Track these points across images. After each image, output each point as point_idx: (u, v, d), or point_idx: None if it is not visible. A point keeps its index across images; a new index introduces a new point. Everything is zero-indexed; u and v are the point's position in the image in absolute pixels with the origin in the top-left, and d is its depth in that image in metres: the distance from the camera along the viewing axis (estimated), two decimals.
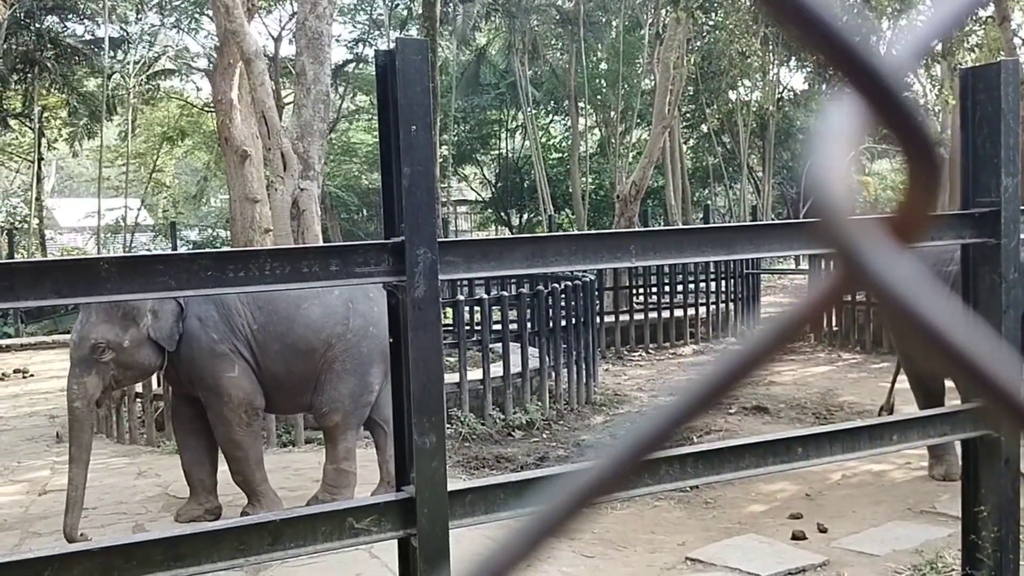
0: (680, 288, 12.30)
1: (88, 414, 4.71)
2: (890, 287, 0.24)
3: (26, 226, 20.38)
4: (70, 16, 19.95)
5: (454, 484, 2.16)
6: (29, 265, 1.92)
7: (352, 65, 25.31)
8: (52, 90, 20.07)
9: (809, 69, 24.64)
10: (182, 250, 19.82)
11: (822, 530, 4.76)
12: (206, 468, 5.03)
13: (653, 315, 11.81)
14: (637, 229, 12.38)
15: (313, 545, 1.94)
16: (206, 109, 22.36)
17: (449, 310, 8.25)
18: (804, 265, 14.90)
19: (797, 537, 4.67)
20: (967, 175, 2.99)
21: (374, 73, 2.43)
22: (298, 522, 1.97)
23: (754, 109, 24.76)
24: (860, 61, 0.26)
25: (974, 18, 16.64)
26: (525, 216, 28.19)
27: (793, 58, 24.72)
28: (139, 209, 24.19)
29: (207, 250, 5.13)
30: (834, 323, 11.40)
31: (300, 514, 2.06)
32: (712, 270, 12.64)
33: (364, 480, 5.28)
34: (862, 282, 0.25)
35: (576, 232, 7.12)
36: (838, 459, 2.70)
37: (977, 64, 10.80)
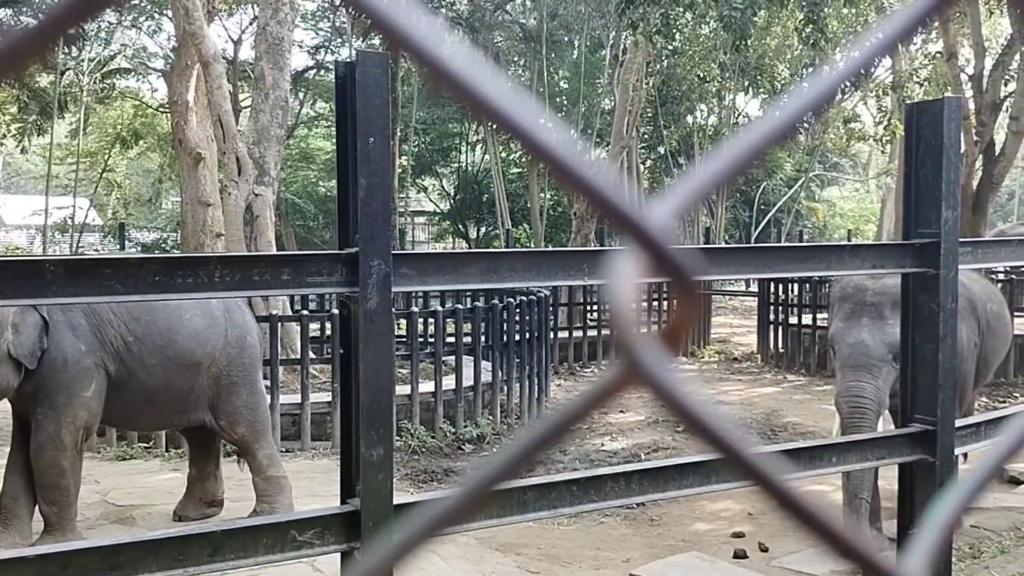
0: (633, 306, 12.45)
1: None
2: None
3: None
4: (24, 10, 19.55)
5: (401, 497, 2.16)
6: None
7: (313, 72, 25.16)
8: (2, 85, 19.63)
9: (764, 96, 25.14)
10: (131, 251, 19.49)
11: (763, 549, 4.84)
12: (32, 496, 4.55)
13: (606, 332, 11.90)
14: (590, 248, 12.48)
15: (254, 557, 1.92)
16: (161, 110, 22.02)
17: (403, 321, 8.22)
18: (754, 288, 15.15)
19: (739, 556, 4.74)
20: (909, 207, 3.09)
21: (334, 82, 2.43)
22: (239, 533, 1.95)
23: (710, 133, 25.17)
24: (634, 225, 0.33)
25: (924, 54, 17.15)
26: (483, 229, 28.21)
27: (750, 86, 25.21)
28: (88, 209, 23.70)
29: (156, 255, 5.03)
30: (780, 346, 11.60)
31: (242, 525, 2.03)
32: (664, 289, 12.78)
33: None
34: (640, 377, 0.33)
35: (531, 249, 7.17)
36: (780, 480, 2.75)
37: (923, 100, 11.12)
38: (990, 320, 4.99)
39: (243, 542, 1.92)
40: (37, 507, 4.53)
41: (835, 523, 0.40)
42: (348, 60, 2.22)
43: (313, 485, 5.74)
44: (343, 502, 2.10)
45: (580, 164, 0.33)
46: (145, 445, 6.81)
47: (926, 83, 15.32)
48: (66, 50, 19.45)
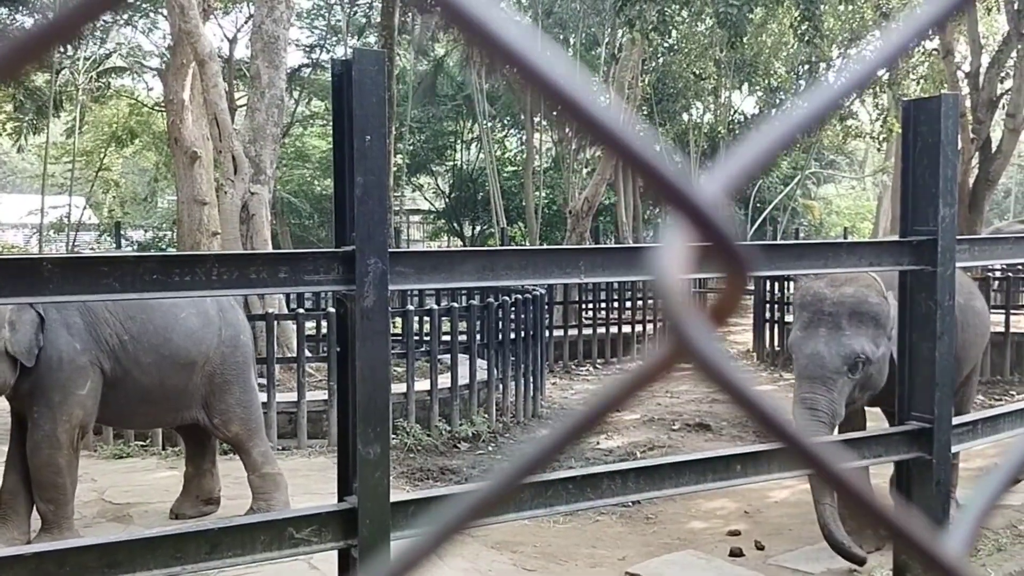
0: (628, 304, 12.45)
1: None
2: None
3: None
4: (20, 8, 19.49)
5: (397, 495, 2.16)
6: None
7: (308, 70, 25.12)
8: None
9: (760, 95, 25.16)
10: (127, 250, 19.45)
11: (759, 547, 4.84)
12: (30, 495, 4.57)
13: (601, 330, 11.91)
14: (586, 246, 12.48)
15: (252, 554, 1.92)
16: (157, 109, 21.98)
17: (399, 320, 8.22)
18: (750, 286, 15.18)
19: (735, 554, 4.74)
20: (906, 204, 3.09)
21: (330, 81, 2.43)
22: (237, 531, 1.95)
23: (706, 131, 25.19)
24: (684, 197, 0.32)
25: (921, 51, 17.17)
26: (478, 228, 28.21)
27: (745, 83, 25.23)
28: (84, 208, 23.65)
29: (153, 253, 5.03)
30: (776, 344, 11.62)
31: (240, 523, 2.03)
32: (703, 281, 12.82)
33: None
34: (688, 353, 0.33)
35: (526, 247, 7.16)
36: (775, 477, 2.76)
37: (920, 97, 11.12)
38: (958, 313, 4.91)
39: (240, 540, 1.92)
40: (35, 505, 4.53)
41: (883, 504, 0.40)
42: (344, 58, 2.22)
43: (309, 483, 5.74)
44: (340, 499, 2.11)
45: (633, 139, 0.33)
46: (142, 443, 6.81)
47: (922, 80, 15.35)
48: (61, 49, 19.38)
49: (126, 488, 5.73)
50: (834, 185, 34.45)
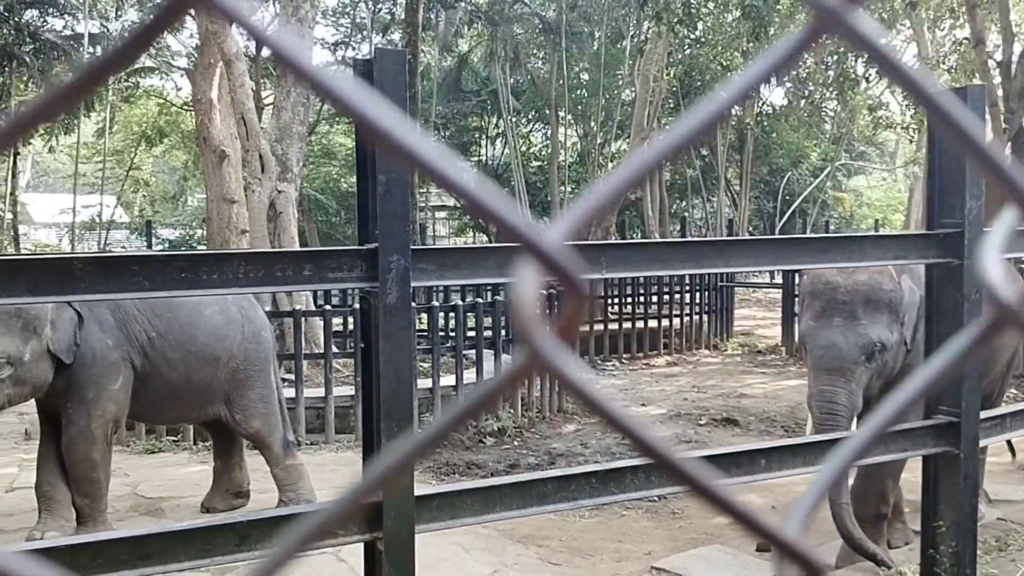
0: (655, 299, 12.39)
1: None
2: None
3: None
4: (50, 11, 19.78)
5: (422, 489, 2.19)
6: (5, 262, 1.93)
7: (333, 68, 25.24)
8: (30, 85, 19.89)
9: (789, 86, 24.92)
10: (157, 249, 19.70)
11: None
12: (68, 488, 4.64)
13: (627, 325, 11.88)
14: (608, 241, 12.46)
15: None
16: (185, 108, 22.23)
17: (424, 315, 8.26)
18: (779, 280, 15.05)
19: (762, 549, 4.72)
20: (933, 197, 3.07)
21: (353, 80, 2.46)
22: (264, 524, 1.98)
23: (733, 123, 25.00)
24: (530, 241, 0.37)
25: (952, 40, 16.91)
26: None
27: (773, 75, 24.96)
28: (115, 207, 23.98)
29: (182, 252, 5.12)
30: None
31: (267, 516, 2.07)
32: (687, 282, 12.74)
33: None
34: (540, 364, 0.37)
35: None
36: (800, 472, 2.75)
37: (945, 88, 10.97)
38: None
39: (268, 532, 1.96)
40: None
41: (747, 510, 0.44)
42: (366, 58, 2.24)
43: (337, 477, 5.80)
44: None
45: (468, 182, 0.38)
46: (173, 439, 6.91)
47: (953, 70, 15.13)
48: (91, 49, 19.67)
49: (158, 483, 5.83)
50: (865, 177, 34.05)
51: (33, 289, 1.86)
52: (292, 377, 6.83)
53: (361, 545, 2.18)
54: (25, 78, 19.52)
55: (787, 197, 25.94)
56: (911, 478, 4.65)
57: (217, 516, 4.92)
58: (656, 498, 5.78)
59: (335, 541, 2.02)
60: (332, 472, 6.04)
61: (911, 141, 23.71)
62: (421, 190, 21.31)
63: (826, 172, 26.20)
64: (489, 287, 10.06)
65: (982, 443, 3.31)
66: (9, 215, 20.25)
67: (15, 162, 20.55)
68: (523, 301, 0.36)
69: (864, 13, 0.41)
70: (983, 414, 3.19)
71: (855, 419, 4.21)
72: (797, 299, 10.74)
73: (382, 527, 2.02)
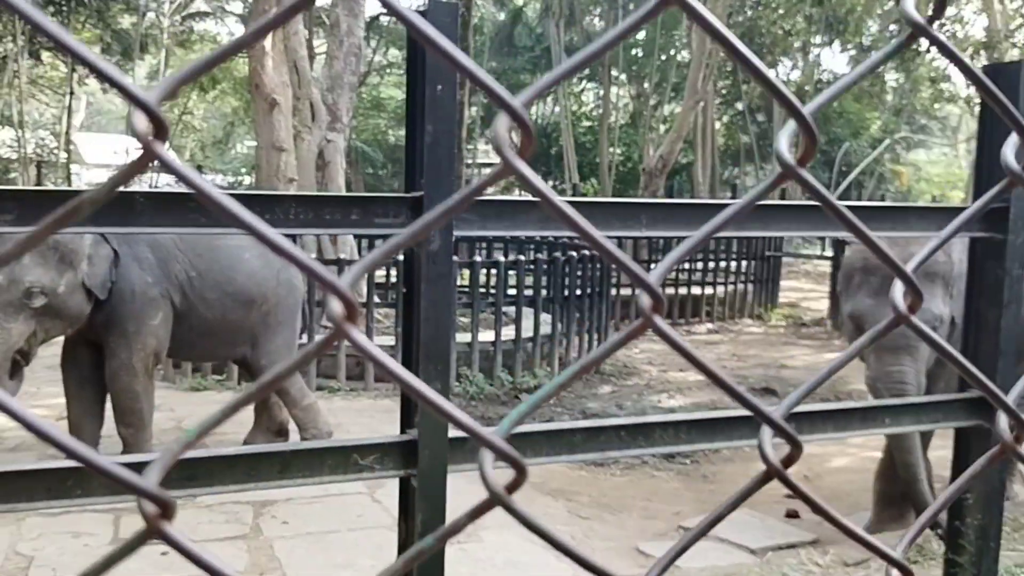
0: (700, 266, 12.31)
1: (3, 364, 4.30)
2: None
3: (54, 159, 20.61)
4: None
5: (455, 432, 2.27)
6: (68, 194, 2.02)
7: (386, 19, 25.18)
8: (87, 25, 20.17)
9: (852, 53, 24.27)
10: None
11: None
12: (97, 421, 4.87)
13: (670, 291, 11.83)
14: (650, 200, 12.38)
15: (319, 476, 2.06)
16: (239, 55, 22.37)
17: (466, 271, 8.35)
18: (828, 252, 14.83)
19: (791, 515, 4.77)
20: (980, 171, 3.03)
21: (405, 30, 2.50)
22: (307, 454, 2.08)
23: (792, 89, 24.44)
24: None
25: (1021, 13, 16.32)
26: (550, 183, 28.10)
27: (836, 41, 24.34)
28: (166, 150, 24.33)
29: (237, 191, 5.23)
30: None
31: (309, 447, 2.17)
32: (733, 249, 12.63)
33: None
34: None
35: (590, 199, 7.12)
36: (830, 436, 2.77)
37: (998, 62, 10.64)
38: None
39: (309, 462, 2.05)
40: (116, 430, 4.83)
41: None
42: (419, 8, 2.28)
43: (374, 423, 5.95)
44: (402, 431, 2.22)
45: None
46: (218, 377, 7.12)
47: (1022, 44, 14.64)
48: None
49: (203, 418, 6.03)
50: (925, 151, 33.17)
51: (96, 220, 1.95)
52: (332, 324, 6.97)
53: (396, 484, 2.27)
54: (83, 18, 19.78)
55: (844, 168, 25.39)
56: (945, 455, 4.64)
57: (261, 446, 5.10)
58: (687, 461, 5.85)
59: (371, 475, 2.11)
60: (370, 418, 6.19)
61: (974, 116, 23.01)
62: (468, 147, 21.29)
63: (885, 144, 25.56)
64: (531, 246, 10.11)
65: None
66: (63, 154, 20.69)
67: (70, 102, 20.92)
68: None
69: None
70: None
71: None
72: (840, 274, 10.50)
73: (417, 464, 2.10)
